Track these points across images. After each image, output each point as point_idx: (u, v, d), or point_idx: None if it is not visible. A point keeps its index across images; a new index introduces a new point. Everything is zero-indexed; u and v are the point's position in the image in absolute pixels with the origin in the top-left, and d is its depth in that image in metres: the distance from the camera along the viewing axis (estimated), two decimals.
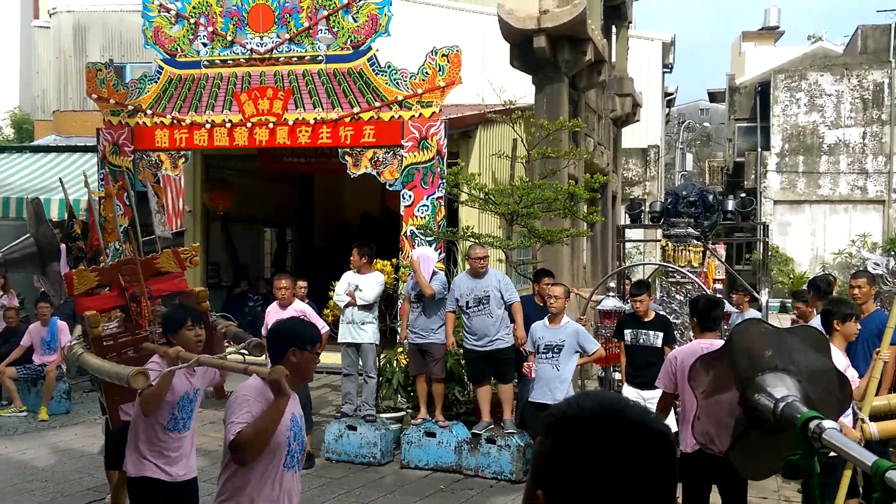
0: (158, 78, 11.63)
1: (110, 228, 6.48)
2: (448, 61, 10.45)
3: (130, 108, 11.77)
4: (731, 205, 11.83)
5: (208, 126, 11.36)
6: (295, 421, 3.93)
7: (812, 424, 1.77)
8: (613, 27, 17.46)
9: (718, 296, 7.59)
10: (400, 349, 9.44)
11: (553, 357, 7.40)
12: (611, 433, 1.34)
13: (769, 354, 2.00)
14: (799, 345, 2.02)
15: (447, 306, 8.51)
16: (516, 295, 8.37)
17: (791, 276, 22.50)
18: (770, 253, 22.37)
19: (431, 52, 10.59)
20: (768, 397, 1.93)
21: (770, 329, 2.07)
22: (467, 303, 8.26)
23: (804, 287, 9.72)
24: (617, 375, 8.80)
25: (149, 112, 11.66)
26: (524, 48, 11.76)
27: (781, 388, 1.93)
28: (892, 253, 16.01)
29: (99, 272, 5.70)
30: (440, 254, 10.22)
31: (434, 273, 8.90)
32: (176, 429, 4.74)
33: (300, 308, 8.40)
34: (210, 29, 11.34)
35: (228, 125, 11.26)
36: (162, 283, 5.90)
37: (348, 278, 9.11)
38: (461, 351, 8.72)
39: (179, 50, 11.51)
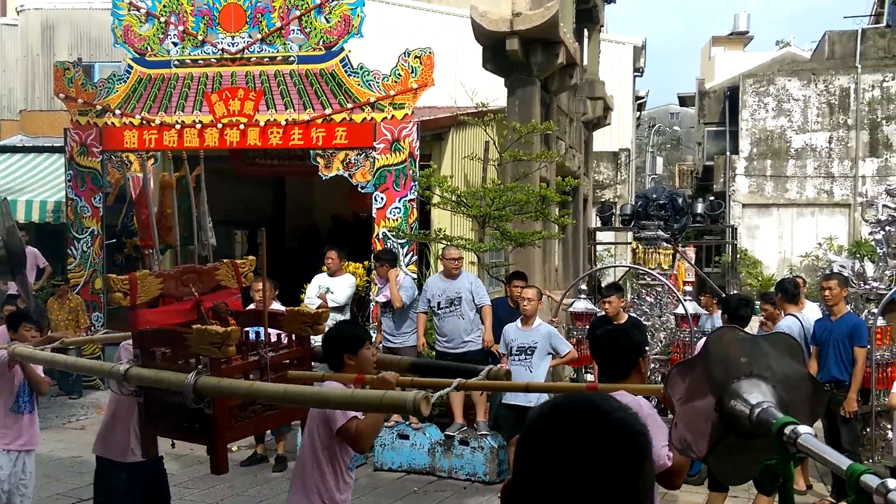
0: (128, 77, 11.50)
1: (167, 226, 5.80)
2: (421, 63, 10.45)
3: (99, 107, 11.63)
4: (700, 208, 11.96)
5: (178, 126, 11.24)
6: None
7: (787, 430, 1.78)
8: (585, 31, 17.56)
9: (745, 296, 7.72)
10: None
11: (526, 359, 7.41)
12: (580, 429, 1.34)
13: (744, 361, 2.02)
14: (773, 352, 2.05)
15: (418, 307, 8.51)
16: (487, 298, 8.41)
17: (759, 278, 22.76)
18: (738, 255, 22.60)
19: (404, 53, 10.58)
20: (744, 403, 1.96)
21: (745, 336, 2.10)
22: (439, 303, 8.28)
23: (772, 289, 9.83)
24: (589, 377, 8.84)
25: (117, 112, 11.52)
26: (497, 51, 11.79)
27: (757, 395, 1.95)
28: (858, 255, 16.27)
29: (164, 278, 4.42)
30: (412, 256, 10.21)
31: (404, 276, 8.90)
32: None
33: (276, 311, 8.33)
34: (181, 28, 11.24)
35: (199, 126, 11.17)
36: (217, 299, 4.72)
37: (319, 281, 9.07)
38: (433, 353, 8.71)
39: (149, 49, 11.39)
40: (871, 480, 1.58)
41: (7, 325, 5.88)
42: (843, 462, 1.68)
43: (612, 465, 1.33)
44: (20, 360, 5.32)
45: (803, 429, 1.77)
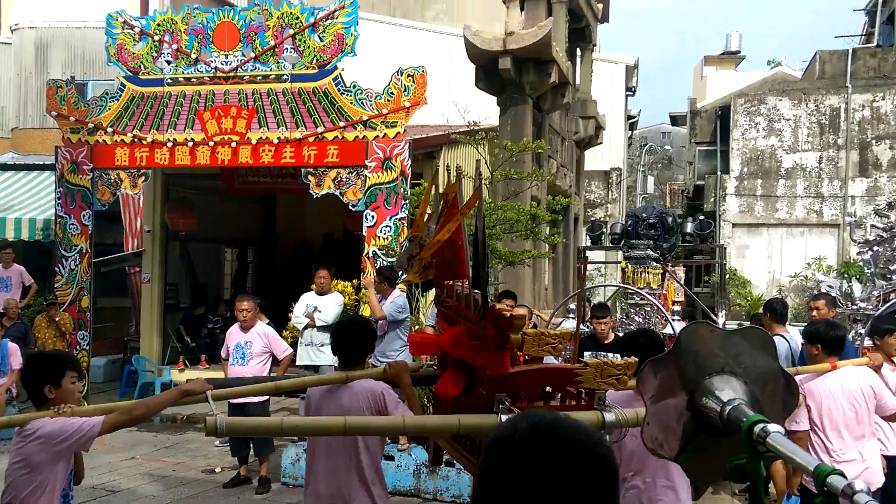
0: (120, 95, 11.51)
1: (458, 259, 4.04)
2: (413, 81, 10.50)
3: (91, 125, 11.63)
4: (689, 227, 12.00)
5: (170, 144, 11.25)
6: None
7: (757, 428, 1.78)
8: (578, 50, 17.67)
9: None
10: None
11: None
12: (541, 453, 1.31)
13: (716, 356, 2.01)
14: (745, 346, 2.04)
15: (427, 320, 8.51)
16: None
17: (749, 298, 22.80)
18: (728, 275, 22.66)
19: (397, 72, 10.63)
20: (715, 401, 1.95)
21: (717, 331, 2.09)
22: None
23: (760, 310, 9.86)
24: None
25: (109, 130, 11.52)
26: (489, 69, 11.86)
27: (728, 391, 1.94)
28: (846, 276, 16.32)
29: None
30: (402, 275, 10.20)
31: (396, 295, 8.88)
32: None
33: (262, 330, 8.29)
34: (174, 46, 11.27)
35: (190, 144, 11.17)
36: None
37: (307, 299, 9.06)
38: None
39: (143, 67, 11.41)
40: (837, 482, 1.59)
41: (37, 376, 3.99)
42: (811, 462, 1.69)
43: (585, 488, 1.30)
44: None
45: (773, 427, 1.77)
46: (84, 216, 11.78)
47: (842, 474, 1.61)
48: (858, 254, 8.06)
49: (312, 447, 4.39)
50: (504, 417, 3.01)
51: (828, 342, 5.42)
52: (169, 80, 11.31)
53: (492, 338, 3.23)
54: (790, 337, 7.52)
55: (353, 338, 4.21)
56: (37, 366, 4.05)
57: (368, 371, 4.02)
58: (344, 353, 4.22)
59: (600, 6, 18.19)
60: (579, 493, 1.30)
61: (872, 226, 7.87)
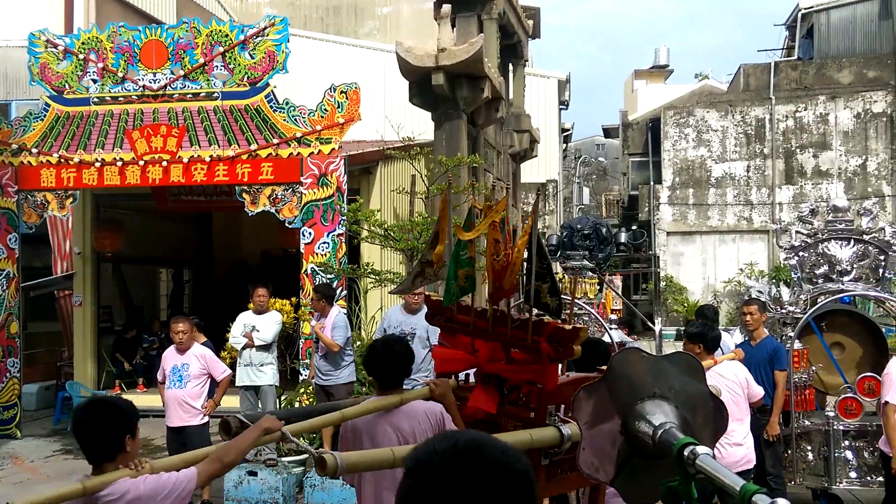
0: (45, 115, 11.23)
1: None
2: (347, 98, 10.48)
3: (14, 146, 11.30)
4: (623, 237, 12.20)
5: (98, 164, 11.00)
6: None
7: (686, 451, 1.82)
8: (510, 65, 17.84)
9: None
10: (302, 389, 9.27)
11: None
12: (461, 474, 1.30)
13: (647, 381, 2.05)
14: (675, 371, 2.08)
15: (376, 335, 8.43)
16: None
17: (685, 304, 23.26)
18: (664, 283, 23.09)
19: (330, 88, 10.60)
20: (647, 425, 1.98)
21: (648, 356, 2.13)
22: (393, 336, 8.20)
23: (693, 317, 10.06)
24: None
25: (34, 151, 11.21)
26: (423, 85, 11.88)
27: (660, 415, 1.98)
28: (775, 280, 16.78)
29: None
30: (341, 291, 10.14)
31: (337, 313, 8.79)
32: None
33: (200, 352, 8.08)
34: (100, 65, 11.04)
35: (120, 163, 10.94)
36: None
37: (244, 319, 8.92)
38: (363, 389, 8.63)
39: (67, 86, 11.15)
40: (762, 501, 1.63)
41: (116, 426, 3.36)
42: (737, 482, 1.73)
43: None
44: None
45: (701, 449, 1.81)
46: (10, 240, 11.43)
47: (766, 493, 1.65)
48: (785, 259, 8.29)
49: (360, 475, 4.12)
50: (563, 428, 3.08)
51: (709, 342, 6.24)
52: (95, 99, 11.08)
53: (546, 352, 3.25)
54: (722, 342, 7.67)
55: (388, 359, 4.10)
56: (114, 414, 3.35)
57: (418, 391, 3.97)
58: (381, 375, 4.11)
59: (531, 23, 18.43)
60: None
61: (797, 232, 8.10)
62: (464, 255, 3.73)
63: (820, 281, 7.89)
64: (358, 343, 9.21)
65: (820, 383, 7.91)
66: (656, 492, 2.04)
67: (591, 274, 8.94)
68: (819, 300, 7.74)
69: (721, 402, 2.20)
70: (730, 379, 6.22)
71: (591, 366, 4.24)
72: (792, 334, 7.43)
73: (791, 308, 7.64)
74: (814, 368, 7.64)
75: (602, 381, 2.09)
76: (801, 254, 7.97)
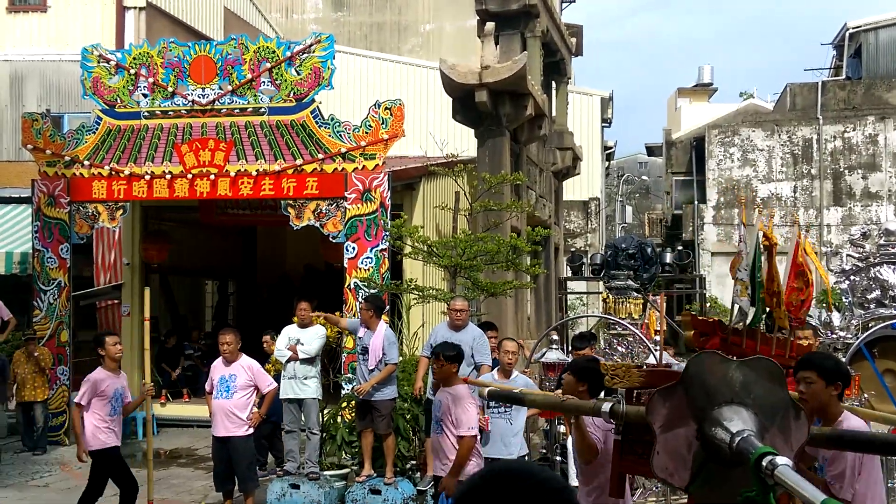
0: (97, 128, 11.46)
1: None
2: (391, 114, 10.54)
3: (67, 158, 11.55)
4: (668, 257, 12.07)
5: (148, 177, 11.19)
6: None
7: (765, 460, 1.77)
8: (553, 83, 17.83)
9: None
10: (344, 403, 9.29)
11: (506, 411, 7.33)
12: (506, 487, 1.44)
13: (725, 387, 2.00)
14: (754, 377, 2.03)
15: (423, 351, 8.42)
16: (488, 358, 8.11)
17: None
18: (709, 304, 22.76)
19: (374, 105, 10.68)
20: (724, 431, 1.94)
21: (725, 361, 2.08)
22: None
23: None
24: (562, 428, 8.77)
25: (86, 163, 11.45)
26: (466, 102, 11.92)
27: (738, 422, 1.93)
28: (825, 304, 16.46)
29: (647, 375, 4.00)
30: (385, 306, 10.15)
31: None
32: None
33: (247, 363, 8.10)
34: (151, 80, 11.25)
35: (168, 176, 11.12)
36: None
37: (289, 332, 8.96)
38: (405, 405, 8.61)
39: (119, 100, 11.38)
40: None
41: None
42: (818, 496, 1.68)
43: None
44: None
45: (781, 460, 1.76)
46: (62, 249, 11.66)
47: None
48: (836, 283, 8.12)
49: None
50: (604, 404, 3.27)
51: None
52: (146, 113, 11.28)
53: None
54: None
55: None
56: None
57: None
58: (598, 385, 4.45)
59: (574, 40, 18.41)
60: None
61: (848, 255, 7.95)
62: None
63: (872, 306, 7.73)
64: (400, 359, 9.19)
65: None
66: (731, 501, 2.00)
67: (635, 294, 8.84)
68: (871, 325, 7.57)
69: (802, 412, 2.13)
70: None
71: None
72: (843, 360, 7.27)
73: (842, 333, 7.49)
74: (865, 396, 7.45)
75: (678, 385, 2.05)
76: (852, 278, 7.81)
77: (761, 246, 5.08)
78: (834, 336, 7.49)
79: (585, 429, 4.47)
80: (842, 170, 24.22)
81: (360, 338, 8.63)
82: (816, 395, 3.99)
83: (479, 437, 7.02)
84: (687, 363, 2.08)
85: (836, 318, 7.64)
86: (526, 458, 7.65)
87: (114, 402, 7.31)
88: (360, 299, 9.84)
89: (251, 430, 7.89)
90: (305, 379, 8.73)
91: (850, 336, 7.45)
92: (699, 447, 1.99)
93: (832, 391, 4.06)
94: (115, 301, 14.44)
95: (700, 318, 4.05)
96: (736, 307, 4.68)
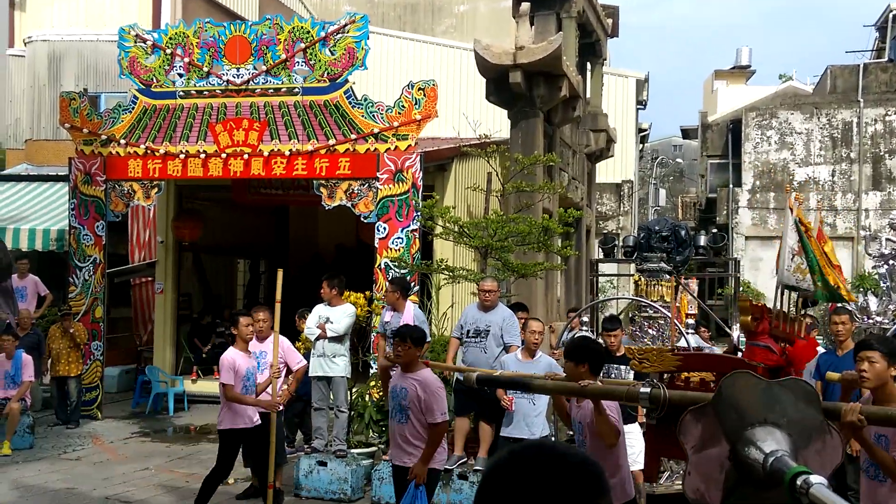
0: (133, 108, 11.58)
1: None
2: (424, 95, 10.52)
3: (104, 137, 11.69)
4: (702, 240, 11.94)
5: (182, 156, 11.30)
6: None
7: (800, 480, 1.75)
8: (588, 64, 17.67)
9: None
10: (373, 382, 9.34)
11: None
12: (534, 465, 1.43)
13: (759, 407, 1.98)
14: (788, 398, 2.01)
15: (453, 332, 8.44)
16: (517, 339, 8.00)
17: None
18: (742, 288, 22.52)
19: (408, 85, 10.66)
20: (758, 451, 1.92)
21: (758, 381, 2.06)
22: (468, 332, 8.18)
23: None
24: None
25: (122, 142, 11.58)
26: (500, 83, 11.86)
27: (771, 443, 1.91)
28: (862, 289, 16.21)
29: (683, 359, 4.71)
30: (414, 286, 10.18)
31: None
32: None
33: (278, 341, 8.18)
34: (186, 60, 11.33)
35: (203, 156, 11.21)
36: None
37: (319, 311, 9.01)
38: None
39: (155, 80, 11.48)
40: None
41: None
42: None
43: (576, 501, 1.40)
44: None
45: (815, 479, 1.74)
46: (98, 227, 11.83)
47: None
48: (874, 267, 8.00)
49: None
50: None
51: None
52: (181, 93, 11.37)
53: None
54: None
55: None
56: None
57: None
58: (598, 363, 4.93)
59: (610, 21, 18.20)
60: (571, 496, 1.43)
61: (888, 239, 7.81)
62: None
63: None
64: (429, 339, 9.21)
65: None
66: None
67: (667, 277, 8.77)
68: None
69: (837, 434, 2.11)
70: None
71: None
72: None
73: (879, 318, 7.37)
74: None
75: (710, 405, 2.03)
76: (891, 262, 7.67)
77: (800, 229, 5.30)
78: (870, 321, 7.38)
79: (607, 413, 4.56)
80: (882, 153, 23.76)
81: (387, 322, 8.66)
82: (880, 375, 4.39)
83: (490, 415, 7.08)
84: (720, 384, 2.07)
85: (872, 302, 7.52)
86: (550, 438, 7.66)
87: (245, 382, 7.31)
88: (387, 280, 9.87)
89: (280, 408, 7.96)
90: (334, 357, 8.78)
91: (887, 321, 7.32)
92: (731, 468, 1.98)
93: (893, 371, 4.42)
94: (150, 278, 14.65)
95: (755, 305, 4.52)
96: (778, 290, 5.07)
